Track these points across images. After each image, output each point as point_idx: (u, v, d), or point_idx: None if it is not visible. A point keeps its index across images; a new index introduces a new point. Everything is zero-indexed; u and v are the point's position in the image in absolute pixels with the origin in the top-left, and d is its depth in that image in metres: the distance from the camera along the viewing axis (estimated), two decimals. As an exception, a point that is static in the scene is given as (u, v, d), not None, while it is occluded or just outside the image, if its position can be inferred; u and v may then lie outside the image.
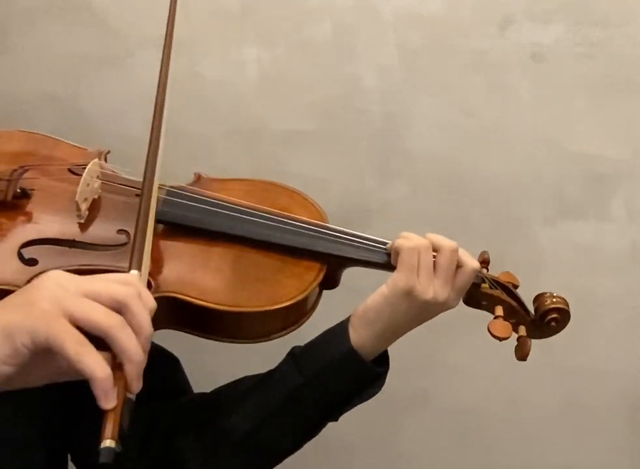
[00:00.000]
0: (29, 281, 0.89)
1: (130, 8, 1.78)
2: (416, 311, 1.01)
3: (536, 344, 1.94)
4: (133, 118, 1.81)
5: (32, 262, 0.94)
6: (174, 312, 0.96)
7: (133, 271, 0.79)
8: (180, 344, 1.21)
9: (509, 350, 1.86)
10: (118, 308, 0.72)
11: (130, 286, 0.74)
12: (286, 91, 1.80)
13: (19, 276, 0.91)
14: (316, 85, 1.79)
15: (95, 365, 0.69)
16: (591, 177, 1.78)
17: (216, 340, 1.00)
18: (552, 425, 1.93)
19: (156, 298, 0.91)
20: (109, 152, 1.10)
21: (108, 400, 0.70)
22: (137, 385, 0.73)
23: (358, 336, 1.02)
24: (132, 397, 0.73)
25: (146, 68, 1.79)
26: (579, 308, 1.78)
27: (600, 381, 1.88)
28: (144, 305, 0.74)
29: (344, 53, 1.76)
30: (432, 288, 1.00)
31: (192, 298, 0.95)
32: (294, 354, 1.07)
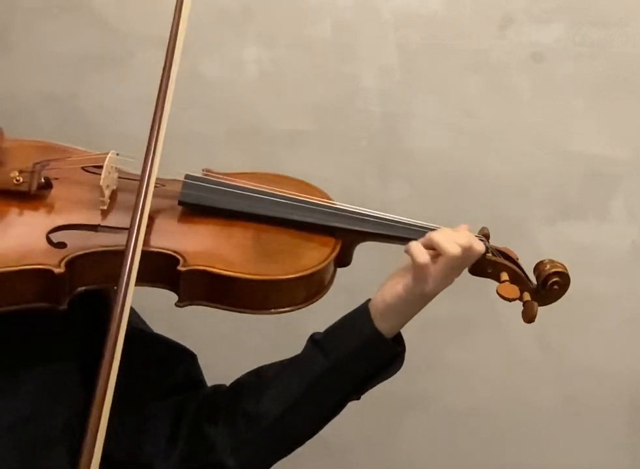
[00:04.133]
0: (60, 261, 0.97)
1: (130, 8, 1.78)
2: (430, 299, 1.06)
3: (536, 344, 1.95)
4: (133, 118, 1.81)
5: (61, 245, 1.00)
6: (204, 286, 1.01)
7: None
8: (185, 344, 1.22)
9: (509, 350, 1.87)
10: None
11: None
12: (286, 91, 1.80)
13: (50, 258, 0.98)
14: (316, 85, 1.79)
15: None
16: (591, 177, 1.78)
17: (244, 312, 1.04)
18: (553, 425, 1.93)
19: (186, 273, 0.99)
20: (117, 154, 1.12)
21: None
22: None
23: (379, 325, 1.06)
24: None
25: (146, 68, 1.79)
26: (579, 308, 1.79)
27: (600, 381, 1.88)
28: None
29: (344, 53, 1.76)
30: (447, 282, 1.04)
31: (220, 269, 1.00)
32: (317, 340, 1.10)
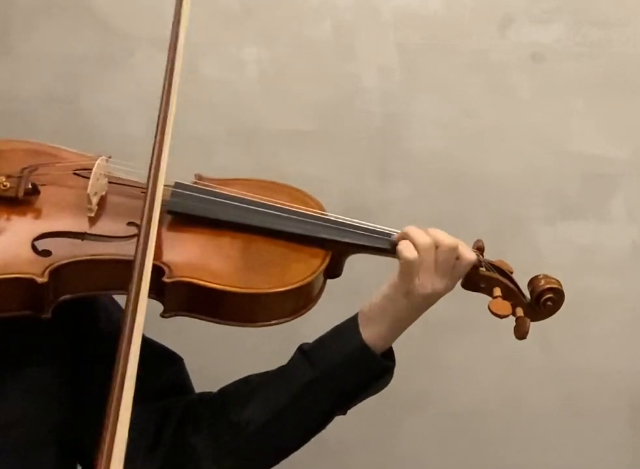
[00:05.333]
0: (44, 270, 0.95)
1: (130, 8, 1.78)
2: (418, 305, 1.05)
3: (536, 344, 1.95)
4: (133, 118, 1.81)
5: (45, 253, 0.98)
6: (190, 298, 1.00)
7: None
8: (178, 347, 1.22)
9: (508, 350, 1.87)
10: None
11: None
12: (286, 91, 1.80)
13: (34, 266, 0.96)
14: (316, 85, 1.79)
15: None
16: (591, 177, 1.78)
17: (231, 325, 1.03)
18: (553, 425, 1.93)
19: (171, 284, 0.97)
20: (110, 157, 1.11)
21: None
22: None
23: (366, 332, 1.05)
24: None
25: (146, 68, 1.79)
26: (579, 308, 1.79)
27: (600, 381, 1.88)
28: None
29: (344, 53, 1.76)
30: (431, 285, 1.03)
31: (206, 281, 0.99)
32: (305, 350, 1.09)
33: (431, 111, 1.77)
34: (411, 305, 1.04)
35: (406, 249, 1.03)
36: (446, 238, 1.04)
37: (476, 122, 1.77)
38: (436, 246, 1.03)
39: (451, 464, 1.99)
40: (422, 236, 1.03)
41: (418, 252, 1.02)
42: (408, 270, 1.02)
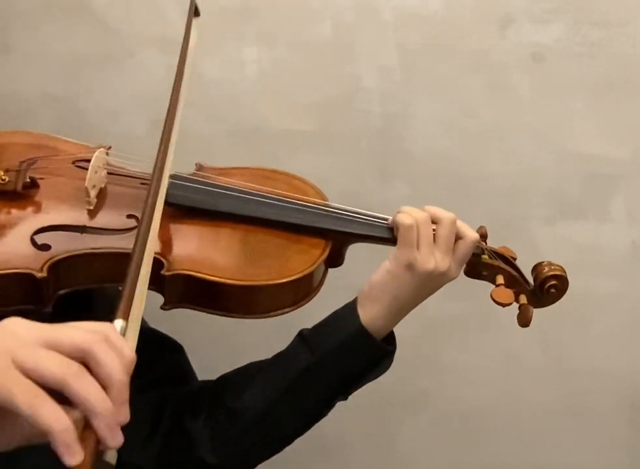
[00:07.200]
0: (43, 265, 0.94)
1: (130, 8, 1.78)
2: (420, 283, 1.03)
3: (536, 344, 1.95)
4: (133, 118, 1.81)
5: (45, 247, 0.98)
6: (189, 290, 1.00)
7: (117, 321, 0.70)
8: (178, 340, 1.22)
9: (508, 350, 1.87)
10: (82, 357, 0.65)
11: (97, 333, 0.65)
12: (286, 91, 1.80)
13: (33, 261, 0.96)
14: (316, 85, 1.79)
15: (50, 415, 0.61)
16: (591, 177, 1.78)
17: (231, 317, 1.03)
18: (552, 424, 1.93)
19: (170, 277, 0.96)
20: (110, 147, 1.11)
21: (71, 454, 0.61)
22: (112, 440, 0.64)
23: (366, 313, 1.04)
24: (111, 457, 0.65)
25: (146, 68, 1.79)
26: (579, 308, 1.79)
27: (600, 381, 1.88)
28: (114, 351, 0.65)
29: (344, 53, 1.76)
30: (433, 259, 1.03)
31: (205, 274, 0.99)
32: (304, 335, 1.08)
33: (431, 111, 1.77)
34: (413, 281, 1.03)
35: (404, 217, 1.03)
36: (443, 213, 1.05)
37: (476, 122, 1.77)
38: (434, 220, 1.05)
39: (451, 464, 1.99)
40: (417, 211, 1.05)
41: (415, 220, 1.03)
42: (406, 237, 1.02)
